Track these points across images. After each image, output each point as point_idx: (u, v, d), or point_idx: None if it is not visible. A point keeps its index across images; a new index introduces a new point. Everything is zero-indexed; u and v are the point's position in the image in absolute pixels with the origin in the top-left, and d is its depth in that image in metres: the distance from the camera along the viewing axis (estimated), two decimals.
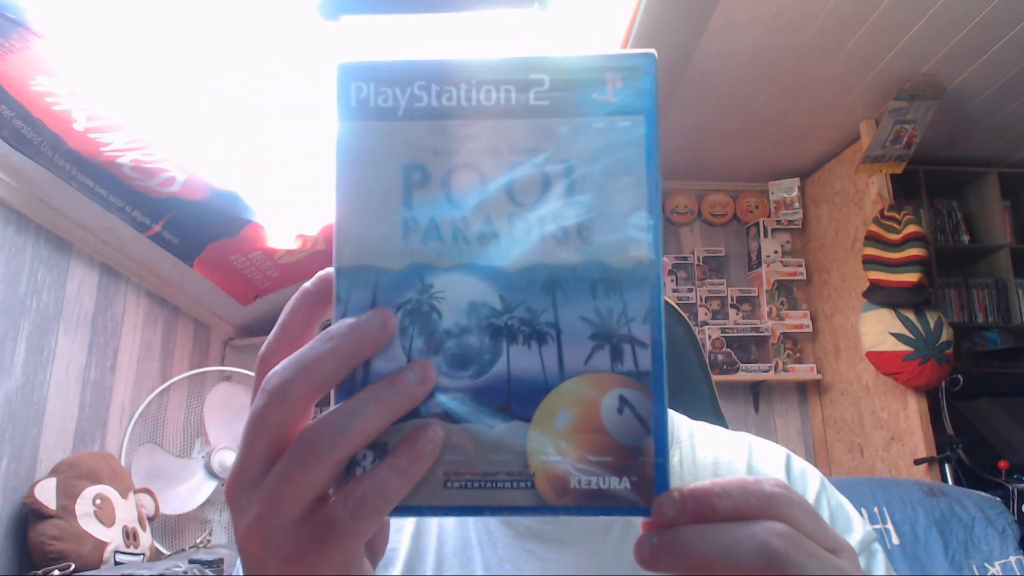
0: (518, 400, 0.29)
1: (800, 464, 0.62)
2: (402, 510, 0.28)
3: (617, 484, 0.29)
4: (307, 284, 0.31)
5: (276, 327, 0.31)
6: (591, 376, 0.30)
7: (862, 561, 0.55)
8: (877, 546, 0.57)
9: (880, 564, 0.56)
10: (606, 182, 0.31)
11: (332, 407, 0.29)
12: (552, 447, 0.29)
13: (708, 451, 0.62)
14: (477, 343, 0.30)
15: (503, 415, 0.29)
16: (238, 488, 0.29)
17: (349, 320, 0.29)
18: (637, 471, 0.29)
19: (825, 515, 0.58)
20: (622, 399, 0.30)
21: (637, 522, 0.60)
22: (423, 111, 0.31)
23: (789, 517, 0.29)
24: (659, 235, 0.30)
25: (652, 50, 0.31)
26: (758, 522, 0.28)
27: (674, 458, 0.62)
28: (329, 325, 0.30)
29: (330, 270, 0.31)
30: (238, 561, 0.56)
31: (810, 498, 0.59)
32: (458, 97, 0.31)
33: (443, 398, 0.29)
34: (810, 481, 0.60)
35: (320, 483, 0.28)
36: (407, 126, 0.31)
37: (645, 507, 0.29)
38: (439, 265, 0.30)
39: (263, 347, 0.31)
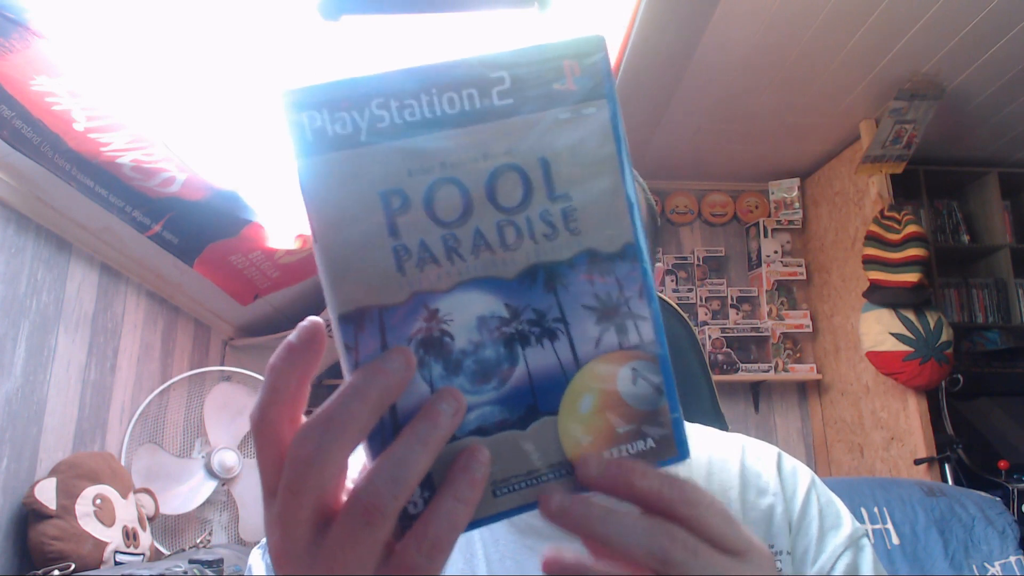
0: (543, 398, 0.31)
1: (791, 462, 0.64)
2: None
3: (644, 447, 0.32)
4: (291, 338, 0.29)
5: (266, 389, 0.29)
6: (603, 357, 0.31)
7: (849, 556, 0.56)
8: (865, 541, 0.58)
9: (867, 560, 0.56)
10: (582, 171, 0.31)
11: (370, 456, 0.29)
12: (582, 431, 0.31)
13: (702, 451, 0.64)
14: (494, 355, 0.30)
15: (532, 415, 0.31)
16: (291, 560, 0.28)
17: (370, 367, 0.28)
18: (659, 430, 0.32)
19: (814, 511, 0.59)
20: (634, 371, 0.32)
21: None
22: (387, 131, 0.29)
23: (694, 515, 0.31)
24: (638, 212, 0.31)
25: (599, 32, 0.31)
26: (661, 522, 0.30)
27: None
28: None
29: (313, 319, 0.29)
30: (248, 561, 0.56)
31: (800, 495, 0.61)
32: (421, 110, 0.29)
33: (473, 415, 0.30)
34: (800, 478, 0.62)
35: (386, 536, 0.27)
36: (374, 151, 0.29)
37: (670, 458, 0.32)
38: (440, 288, 0.29)
39: (256, 410, 0.29)
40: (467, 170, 0.30)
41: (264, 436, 0.29)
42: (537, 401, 0.31)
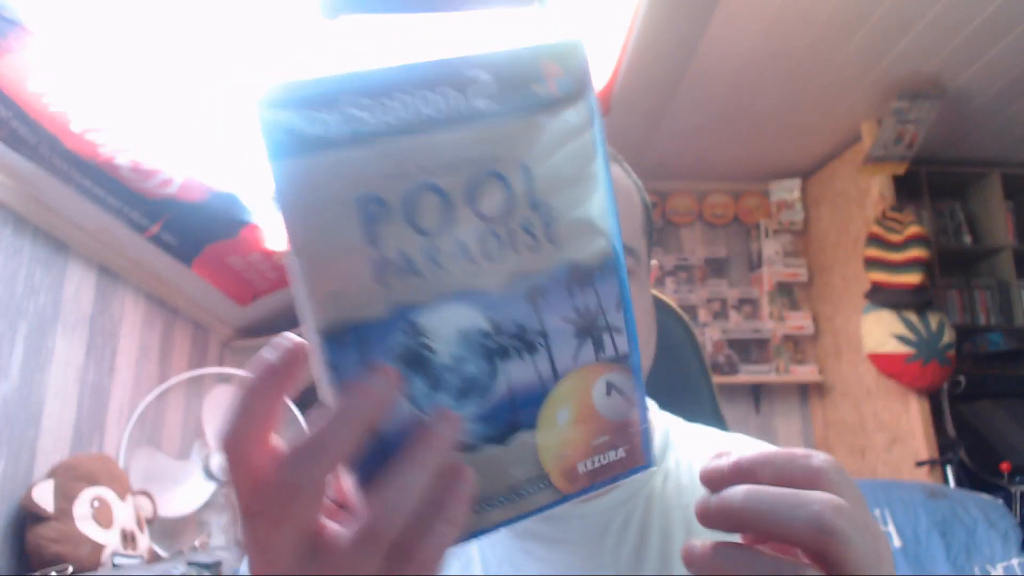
0: (523, 412, 0.30)
1: None
2: None
3: (614, 456, 0.32)
4: (271, 359, 0.27)
5: (241, 410, 0.28)
6: (580, 371, 0.31)
7: None
8: None
9: None
10: (564, 178, 0.30)
11: (352, 479, 0.28)
12: (559, 445, 0.31)
13: (704, 454, 0.63)
14: (475, 371, 0.29)
15: (512, 430, 0.30)
16: None
17: (355, 389, 0.27)
18: (628, 440, 0.33)
19: None
20: (609, 384, 0.32)
21: (633, 522, 0.60)
22: (363, 133, 0.27)
23: (837, 492, 0.30)
24: (618, 222, 0.31)
25: (578, 34, 0.31)
26: (815, 492, 0.30)
27: (670, 461, 0.62)
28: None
29: (294, 339, 0.28)
30: (243, 563, 0.55)
31: None
32: (397, 110, 0.27)
33: None
34: None
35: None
36: (350, 153, 0.27)
37: (638, 467, 0.33)
38: (421, 300, 0.28)
39: (230, 432, 0.28)
40: (447, 176, 0.28)
41: (238, 458, 0.28)
42: (517, 416, 0.30)
